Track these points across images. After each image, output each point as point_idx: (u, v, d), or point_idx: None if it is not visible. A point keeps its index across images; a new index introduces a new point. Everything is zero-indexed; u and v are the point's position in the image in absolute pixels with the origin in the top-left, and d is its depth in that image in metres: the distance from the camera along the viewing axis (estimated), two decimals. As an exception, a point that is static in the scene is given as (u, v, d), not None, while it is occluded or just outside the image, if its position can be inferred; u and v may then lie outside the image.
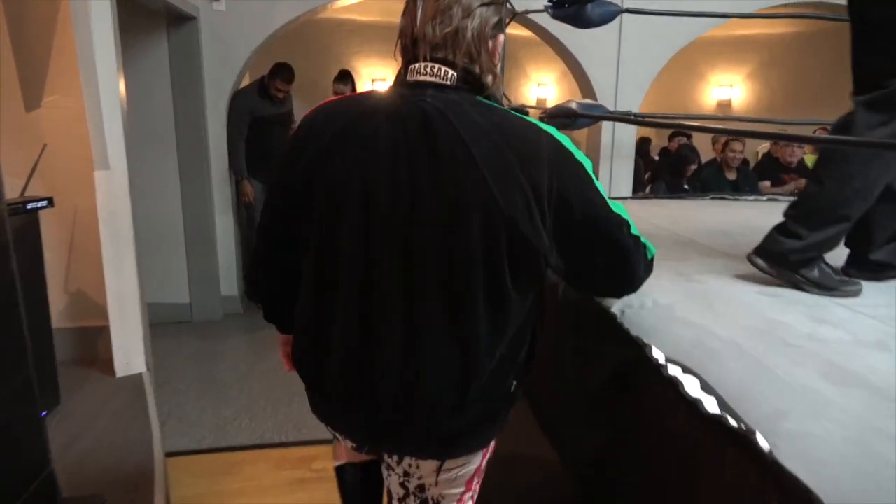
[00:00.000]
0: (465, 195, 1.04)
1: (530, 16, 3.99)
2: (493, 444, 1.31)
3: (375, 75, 7.32)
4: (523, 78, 7.83)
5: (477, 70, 1.10)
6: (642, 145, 6.80)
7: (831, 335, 1.34)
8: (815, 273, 1.59)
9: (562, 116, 2.70)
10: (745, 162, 5.51)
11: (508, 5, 1.18)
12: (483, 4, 1.08)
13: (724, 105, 8.03)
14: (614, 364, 1.43)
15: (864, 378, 1.12)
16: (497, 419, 1.24)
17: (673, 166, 5.37)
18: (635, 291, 1.33)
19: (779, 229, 1.61)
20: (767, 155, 5.91)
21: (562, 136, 1.14)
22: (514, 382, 1.23)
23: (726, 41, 7.38)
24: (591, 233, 1.15)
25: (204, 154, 4.48)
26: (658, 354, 1.21)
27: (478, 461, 1.28)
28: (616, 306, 1.47)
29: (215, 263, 4.67)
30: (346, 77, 5.20)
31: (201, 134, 4.44)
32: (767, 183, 5.17)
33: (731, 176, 5.00)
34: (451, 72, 1.08)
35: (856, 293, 1.59)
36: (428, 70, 1.08)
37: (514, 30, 5.54)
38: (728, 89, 7.96)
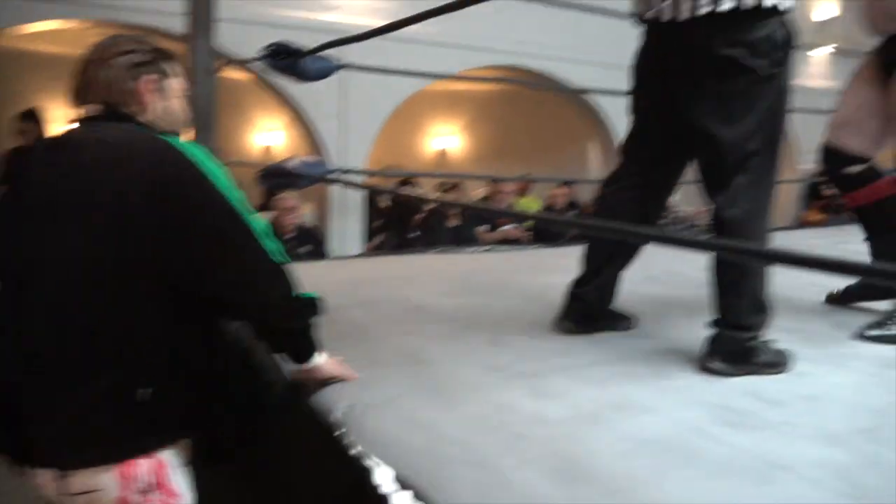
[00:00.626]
0: None
1: (235, 49, 3.77)
2: None
3: (70, 115, 6.33)
4: (247, 125, 7.48)
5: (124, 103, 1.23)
6: (372, 194, 6.91)
7: (553, 413, 1.33)
8: (765, 356, 1.59)
9: (280, 176, 2.53)
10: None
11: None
12: (119, 54, 1.24)
13: (441, 154, 8.62)
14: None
15: (587, 470, 1.10)
16: None
17: (401, 216, 5.51)
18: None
19: (728, 326, 1.58)
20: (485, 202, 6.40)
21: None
22: None
23: (444, 95, 7.94)
24: None
25: None
26: (383, 478, 1.06)
27: None
28: (338, 410, 1.30)
29: None
30: (31, 114, 4.50)
31: None
32: (482, 228, 5.53)
33: (454, 222, 5.29)
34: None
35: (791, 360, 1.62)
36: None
37: (237, 74, 5.23)
38: (446, 139, 8.56)
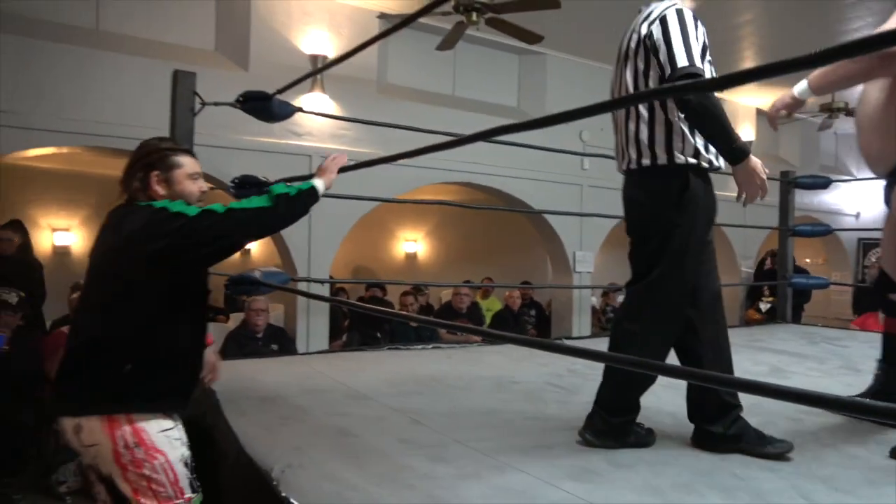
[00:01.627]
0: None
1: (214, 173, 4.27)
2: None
3: (57, 224, 6.79)
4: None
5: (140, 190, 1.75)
6: (340, 295, 7.33)
7: (441, 472, 1.71)
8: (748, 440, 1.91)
9: (245, 284, 2.96)
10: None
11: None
12: (137, 160, 1.76)
13: (412, 257, 9.16)
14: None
15: (453, 507, 1.48)
16: None
17: (367, 317, 5.90)
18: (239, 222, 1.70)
19: (708, 418, 1.95)
20: (448, 304, 6.84)
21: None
22: None
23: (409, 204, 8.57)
24: None
25: None
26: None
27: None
28: (275, 469, 1.67)
29: None
30: (15, 224, 4.86)
31: None
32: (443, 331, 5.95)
33: (415, 324, 5.70)
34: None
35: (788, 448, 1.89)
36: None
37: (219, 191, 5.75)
38: (413, 244, 9.13)
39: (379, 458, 1.81)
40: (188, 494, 1.65)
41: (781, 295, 5.77)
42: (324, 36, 5.46)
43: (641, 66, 1.92)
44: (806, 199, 9.17)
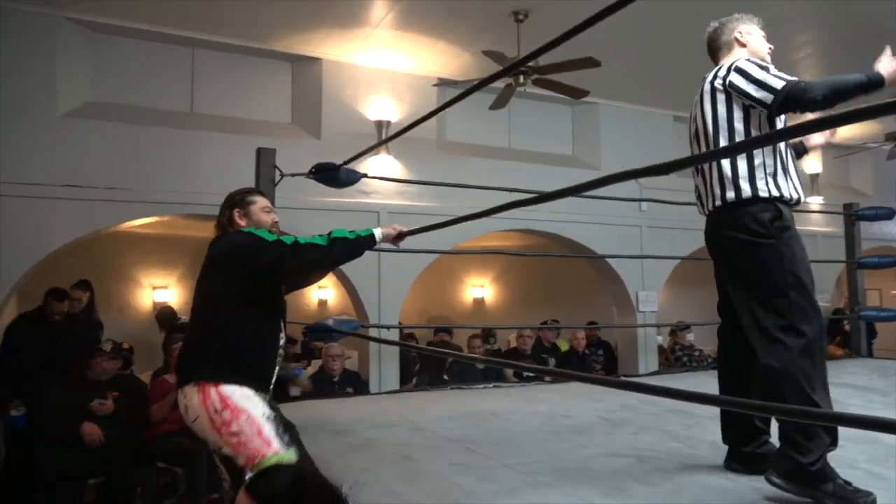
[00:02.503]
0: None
1: (293, 231, 4.76)
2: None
3: (156, 283, 7.52)
4: (303, 283, 8.54)
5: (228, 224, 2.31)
6: (410, 341, 7.68)
7: (485, 489, 1.97)
8: (831, 486, 1.78)
9: (319, 331, 3.34)
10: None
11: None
12: (224, 204, 2.32)
13: (479, 301, 9.44)
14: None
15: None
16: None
17: (435, 359, 6.20)
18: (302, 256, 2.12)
19: (789, 446, 1.83)
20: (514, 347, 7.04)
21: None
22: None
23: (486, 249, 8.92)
24: None
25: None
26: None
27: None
28: (345, 486, 1.98)
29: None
30: (84, 284, 5.44)
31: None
32: (510, 371, 6.17)
33: (481, 366, 5.95)
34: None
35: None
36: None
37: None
38: (480, 289, 9.42)
39: (433, 479, 2.09)
40: (275, 446, 1.90)
41: (854, 329, 5.69)
42: (387, 103, 5.97)
43: (723, 109, 2.02)
44: (885, 229, 8.91)
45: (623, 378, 1.83)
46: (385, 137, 4.53)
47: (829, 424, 1.86)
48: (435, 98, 5.99)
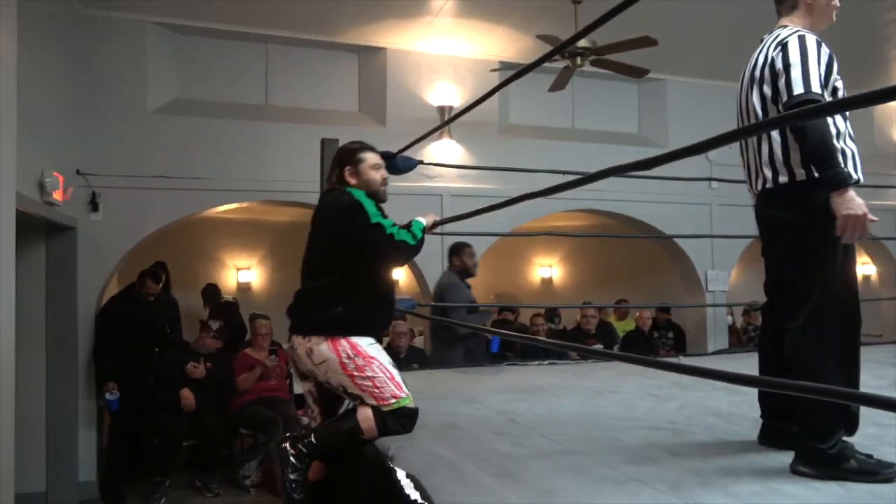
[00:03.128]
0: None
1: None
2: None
3: (240, 264, 8.05)
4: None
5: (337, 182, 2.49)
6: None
7: (517, 452, 2.14)
8: (854, 463, 1.83)
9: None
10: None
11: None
12: (334, 160, 2.55)
13: (547, 281, 9.51)
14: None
15: (523, 477, 1.91)
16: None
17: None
18: (392, 250, 2.35)
19: (810, 435, 1.87)
20: (577, 325, 7.12)
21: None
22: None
23: (541, 230, 8.97)
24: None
25: (73, 349, 4.87)
26: (400, 472, 1.95)
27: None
28: (391, 449, 2.20)
29: (75, 450, 4.86)
30: (160, 266, 5.82)
31: (69, 332, 4.86)
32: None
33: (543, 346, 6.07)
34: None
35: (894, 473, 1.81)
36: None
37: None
38: (548, 269, 9.48)
39: (472, 443, 2.27)
40: (405, 390, 2.30)
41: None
42: (450, 88, 6.13)
43: (769, 91, 1.97)
44: None
45: (656, 358, 1.90)
46: (447, 120, 4.67)
47: (848, 403, 1.89)
48: (496, 81, 6.09)
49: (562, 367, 4.20)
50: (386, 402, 2.26)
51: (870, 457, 1.88)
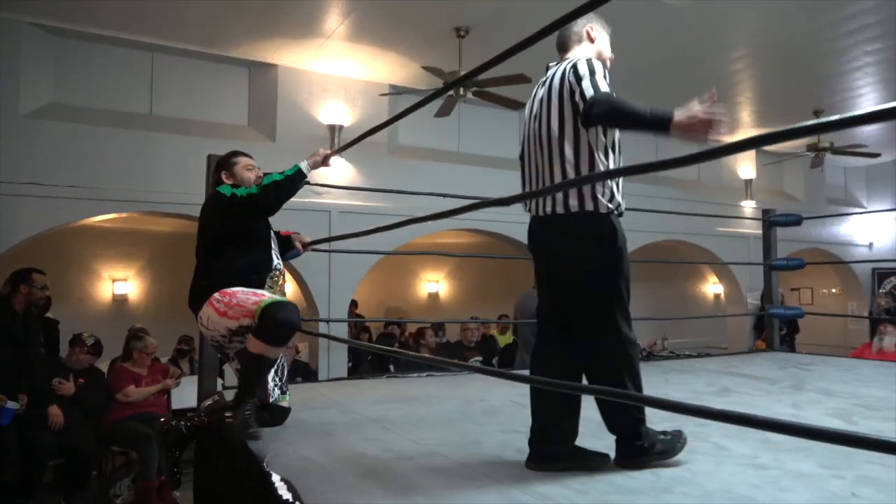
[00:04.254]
0: None
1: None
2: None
3: (116, 275, 7.74)
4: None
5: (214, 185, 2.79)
6: (364, 332, 8.04)
7: (378, 452, 2.35)
8: (658, 446, 2.12)
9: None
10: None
11: None
12: (214, 167, 2.90)
13: (434, 296, 9.83)
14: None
15: (386, 476, 2.12)
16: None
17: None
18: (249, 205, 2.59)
19: (626, 436, 2.11)
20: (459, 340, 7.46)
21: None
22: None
23: (428, 247, 9.30)
24: None
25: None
26: (275, 476, 2.11)
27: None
28: (267, 456, 2.34)
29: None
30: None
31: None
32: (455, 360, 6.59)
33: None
34: None
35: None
36: None
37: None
38: (435, 284, 9.82)
39: (344, 449, 2.46)
40: (268, 295, 2.50)
41: (769, 324, 6.22)
42: (340, 107, 6.31)
43: (568, 111, 2.03)
44: (814, 232, 9.52)
45: (510, 371, 2.16)
46: (337, 139, 4.87)
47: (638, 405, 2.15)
48: (386, 103, 6.35)
49: (439, 378, 4.46)
50: (252, 315, 2.43)
51: (665, 433, 2.17)
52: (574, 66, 2.03)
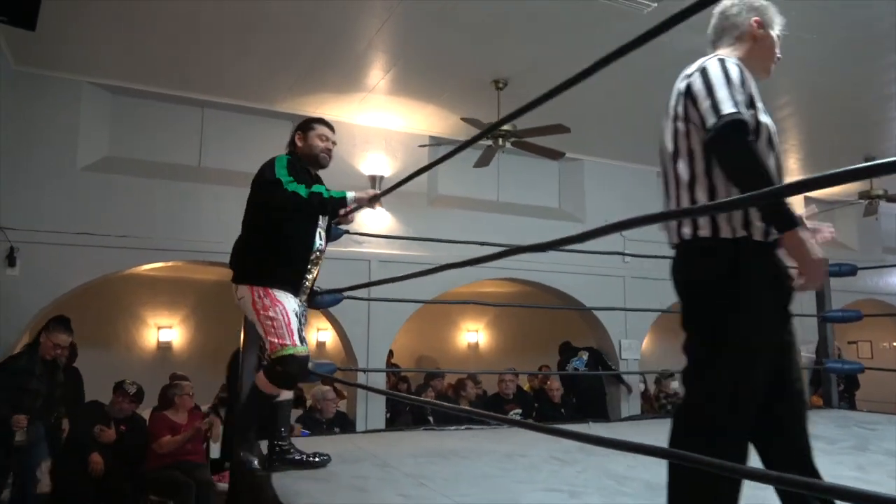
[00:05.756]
0: None
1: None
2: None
3: (161, 323, 7.90)
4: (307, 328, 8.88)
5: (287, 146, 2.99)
6: (402, 384, 7.96)
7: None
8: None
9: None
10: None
11: None
12: (297, 125, 3.04)
13: (473, 346, 9.72)
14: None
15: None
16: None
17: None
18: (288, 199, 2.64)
19: None
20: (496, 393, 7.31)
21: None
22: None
23: (467, 297, 9.24)
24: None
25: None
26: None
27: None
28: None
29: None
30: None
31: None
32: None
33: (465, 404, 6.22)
34: None
35: None
36: None
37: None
38: (475, 334, 9.71)
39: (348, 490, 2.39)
40: (295, 339, 2.55)
41: (825, 380, 5.91)
42: (381, 158, 6.42)
43: (682, 126, 1.68)
44: (871, 282, 9.14)
45: (552, 426, 2.06)
46: (378, 189, 4.90)
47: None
48: (426, 154, 6.44)
49: (476, 432, 4.34)
50: (273, 349, 2.55)
51: None
52: (703, 71, 1.65)
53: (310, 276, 2.82)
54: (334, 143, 3.00)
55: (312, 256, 2.78)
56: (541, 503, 2.47)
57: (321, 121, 2.98)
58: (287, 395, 2.89)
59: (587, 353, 7.79)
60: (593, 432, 1.91)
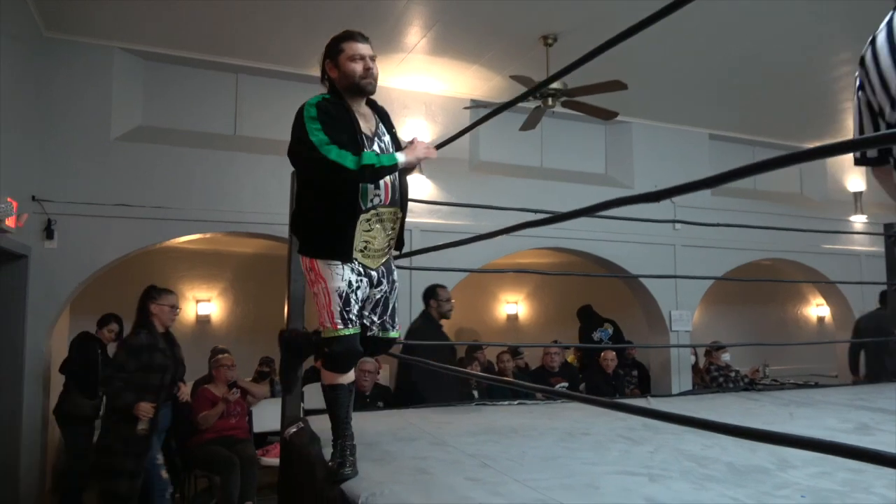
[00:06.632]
0: None
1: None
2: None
3: (199, 296, 7.83)
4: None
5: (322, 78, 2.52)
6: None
7: (495, 502, 2.07)
8: None
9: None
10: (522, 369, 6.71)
11: None
12: (324, 52, 2.53)
13: (513, 318, 9.50)
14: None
15: (496, 526, 1.83)
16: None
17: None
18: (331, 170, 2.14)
19: None
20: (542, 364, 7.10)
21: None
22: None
23: (508, 267, 8.99)
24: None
25: (18, 383, 4.61)
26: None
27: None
28: (361, 497, 2.10)
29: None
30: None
31: (16, 364, 4.61)
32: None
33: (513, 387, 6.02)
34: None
35: None
36: None
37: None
38: (514, 305, 9.48)
39: (446, 492, 2.19)
40: (337, 321, 2.23)
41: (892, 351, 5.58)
42: (421, 123, 6.15)
43: None
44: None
45: (619, 401, 1.85)
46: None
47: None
48: (468, 119, 6.15)
49: (531, 407, 4.14)
50: (323, 326, 2.30)
51: None
52: None
53: (372, 236, 2.31)
54: (373, 57, 2.39)
55: (367, 215, 2.28)
56: (622, 488, 2.25)
57: (347, 35, 2.37)
58: (348, 377, 2.51)
59: (612, 326, 7.55)
60: (654, 407, 1.66)
